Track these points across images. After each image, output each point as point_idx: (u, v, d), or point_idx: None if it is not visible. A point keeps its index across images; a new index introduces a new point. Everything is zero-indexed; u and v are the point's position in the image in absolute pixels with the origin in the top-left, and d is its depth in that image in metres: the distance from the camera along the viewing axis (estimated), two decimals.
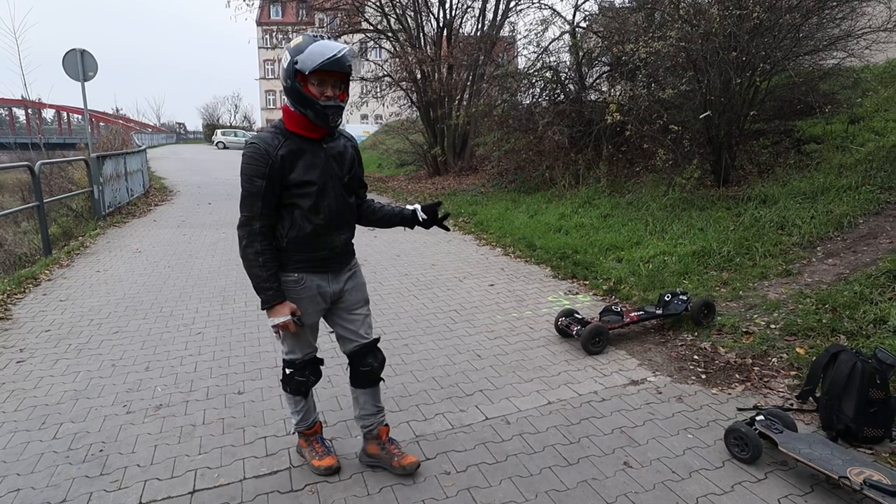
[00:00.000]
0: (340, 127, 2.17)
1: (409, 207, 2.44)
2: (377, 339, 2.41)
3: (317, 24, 20.29)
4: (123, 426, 2.80)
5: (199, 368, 3.49)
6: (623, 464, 2.46)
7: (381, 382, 2.42)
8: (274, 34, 18.83)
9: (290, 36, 19.00)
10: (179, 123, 65.71)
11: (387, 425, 2.46)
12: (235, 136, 41.17)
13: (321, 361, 2.39)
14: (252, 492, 2.28)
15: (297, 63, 1.93)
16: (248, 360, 3.61)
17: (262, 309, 2.10)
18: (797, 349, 3.52)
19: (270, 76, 53.99)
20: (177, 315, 4.53)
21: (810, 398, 2.90)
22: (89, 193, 9.25)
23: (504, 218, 8.29)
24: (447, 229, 2.55)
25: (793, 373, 3.31)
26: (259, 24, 49.42)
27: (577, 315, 3.93)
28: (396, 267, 6.07)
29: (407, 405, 3.01)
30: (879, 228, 5.24)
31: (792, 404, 3.00)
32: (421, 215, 2.40)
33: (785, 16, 6.43)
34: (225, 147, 39.41)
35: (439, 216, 2.45)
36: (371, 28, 15.24)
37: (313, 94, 1.96)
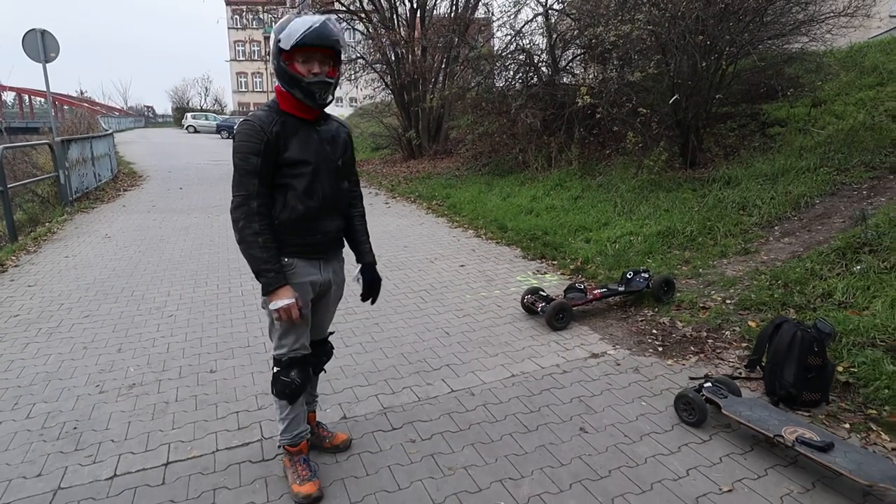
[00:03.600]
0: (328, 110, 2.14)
1: (364, 260, 2.35)
2: (332, 333, 2.45)
3: (288, 4, 19.87)
4: (97, 405, 2.85)
5: (171, 349, 3.54)
6: (579, 429, 2.61)
7: (322, 372, 2.47)
8: (244, 14, 18.36)
9: (262, 16, 18.61)
10: (148, 107, 63.99)
11: (314, 411, 2.47)
12: (206, 119, 40.23)
13: (311, 362, 2.24)
14: (225, 462, 2.37)
15: (280, 41, 1.90)
16: (220, 341, 3.67)
17: (264, 294, 2.00)
18: (749, 322, 3.72)
19: (241, 58, 52.78)
20: (148, 298, 4.54)
21: (757, 367, 3.10)
22: (55, 178, 9.05)
23: (477, 200, 8.38)
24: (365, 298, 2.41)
25: (744, 344, 3.50)
26: (228, 3, 48.14)
27: (542, 293, 4.07)
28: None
29: (376, 380, 3.12)
30: (834, 208, 5.49)
31: (741, 373, 3.19)
32: (357, 275, 2.34)
33: (749, 1, 6.58)
34: (196, 131, 38.52)
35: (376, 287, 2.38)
36: (343, 9, 15.01)
37: (300, 71, 1.93)
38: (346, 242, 2.34)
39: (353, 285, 2.39)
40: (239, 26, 44.66)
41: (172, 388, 3.03)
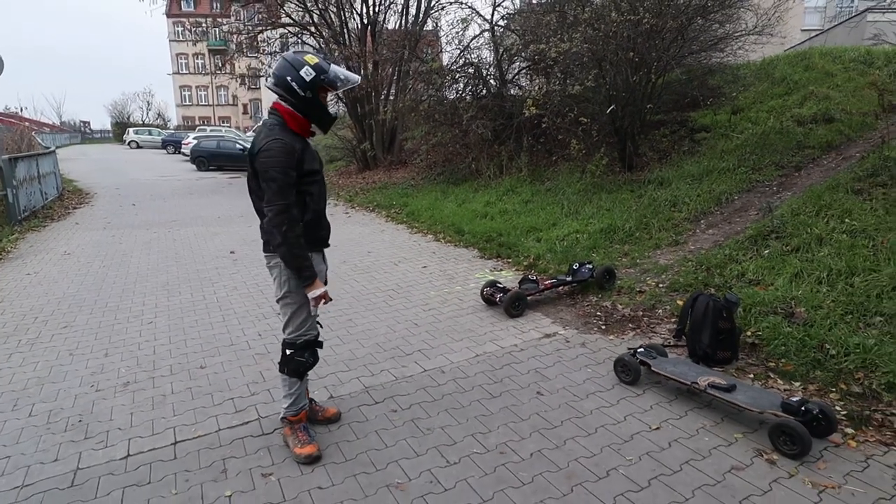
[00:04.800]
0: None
1: None
2: (317, 315, 2.79)
3: (233, 18, 19.81)
4: (96, 401, 3.06)
5: (157, 351, 3.77)
6: (536, 393, 3.06)
7: None
8: (193, 29, 18.18)
9: (204, 27, 18.50)
10: (84, 122, 61.21)
11: (307, 387, 2.81)
12: (150, 134, 39.05)
13: (320, 345, 2.60)
14: (229, 438, 2.67)
15: (324, 80, 2.30)
16: (205, 342, 3.92)
17: (304, 285, 2.34)
18: (678, 302, 4.28)
19: (184, 71, 51.48)
20: (124, 308, 4.69)
21: (682, 336, 3.63)
22: (2, 197, 8.86)
23: (434, 208, 8.81)
24: None
25: (673, 320, 4.06)
26: (169, 16, 47.05)
27: (499, 285, 4.52)
28: (335, 255, 6.43)
29: (355, 366, 3.47)
30: (749, 203, 6.23)
31: (670, 342, 3.72)
32: None
33: (670, 21, 7.33)
34: (139, 146, 37.38)
35: None
36: (293, 23, 15.19)
37: (324, 104, 2.40)
38: None
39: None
40: (182, 39, 43.59)
41: (167, 383, 3.28)
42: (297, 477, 2.36)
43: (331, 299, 2.47)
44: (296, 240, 2.28)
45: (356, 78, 2.39)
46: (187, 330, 4.16)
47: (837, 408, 2.81)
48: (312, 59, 2.33)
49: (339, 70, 2.36)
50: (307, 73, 2.29)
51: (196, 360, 3.61)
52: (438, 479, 2.34)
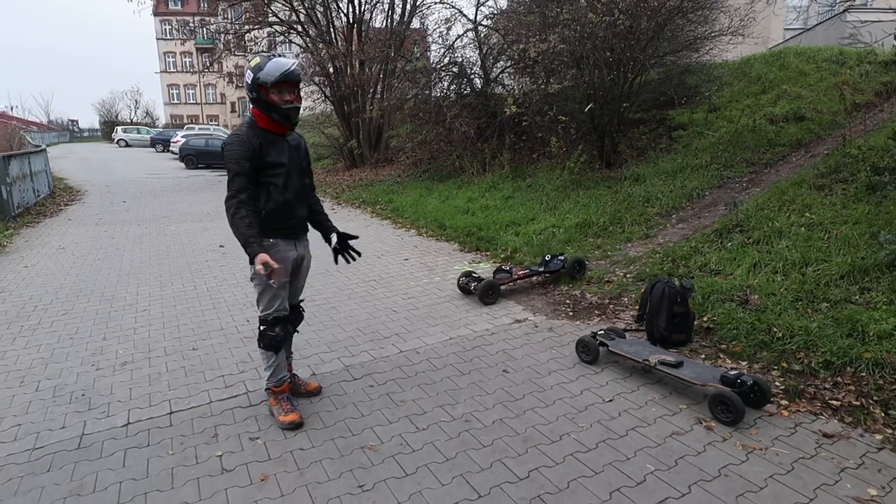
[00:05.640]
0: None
1: (333, 230, 3.06)
2: (302, 300, 3.08)
3: (220, 16, 19.91)
4: (97, 378, 3.31)
5: (152, 335, 4.01)
6: (502, 371, 3.34)
7: (296, 333, 3.07)
8: (181, 27, 18.26)
9: (192, 26, 18.70)
10: (72, 120, 60.82)
11: (290, 363, 3.04)
12: (138, 133, 38.98)
13: (290, 321, 2.83)
14: (219, 408, 2.93)
15: (259, 79, 2.49)
16: (196, 327, 4.16)
17: (251, 263, 2.50)
18: (642, 290, 4.57)
19: (172, 69, 51.27)
20: (119, 298, 4.92)
21: (643, 320, 3.92)
22: None
23: (418, 204, 9.06)
24: (351, 259, 3.11)
25: (637, 307, 4.33)
26: (156, 14, 46.90)
27: (474, 275, 4.79)
28: (319, 249, 6.65)
29: (337, 348, 3.73)
30: (720, 198, 6.54)
31: (632, 326, 4.01)
32: (334, 243, 3.03)
33: (644, 23, 7.63)
34: (127, 145, 37.32)
35: (348, 244, 3.06)
36: (279, 22, 15.34)
37: (275, 100, 2.54)
38: (311, 227, 3.01)
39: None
40: (173, 38, 43.47)
41: (161, 362, 3.53)
42: (280, 440, 2.63)
43: (284, 276, 2.63)
44: (240, 220, 2.48)
45: (285, 62, 2.52)
46: (180, 317, 4.39)
47: (777, 383, 3.10)
48: (255, 60, 2.56)
49: (277, 62, 2.52)
50: (248, 77, 2.54)
51: (188, 343, 3.85)
52: (408, 442, 2.61)
